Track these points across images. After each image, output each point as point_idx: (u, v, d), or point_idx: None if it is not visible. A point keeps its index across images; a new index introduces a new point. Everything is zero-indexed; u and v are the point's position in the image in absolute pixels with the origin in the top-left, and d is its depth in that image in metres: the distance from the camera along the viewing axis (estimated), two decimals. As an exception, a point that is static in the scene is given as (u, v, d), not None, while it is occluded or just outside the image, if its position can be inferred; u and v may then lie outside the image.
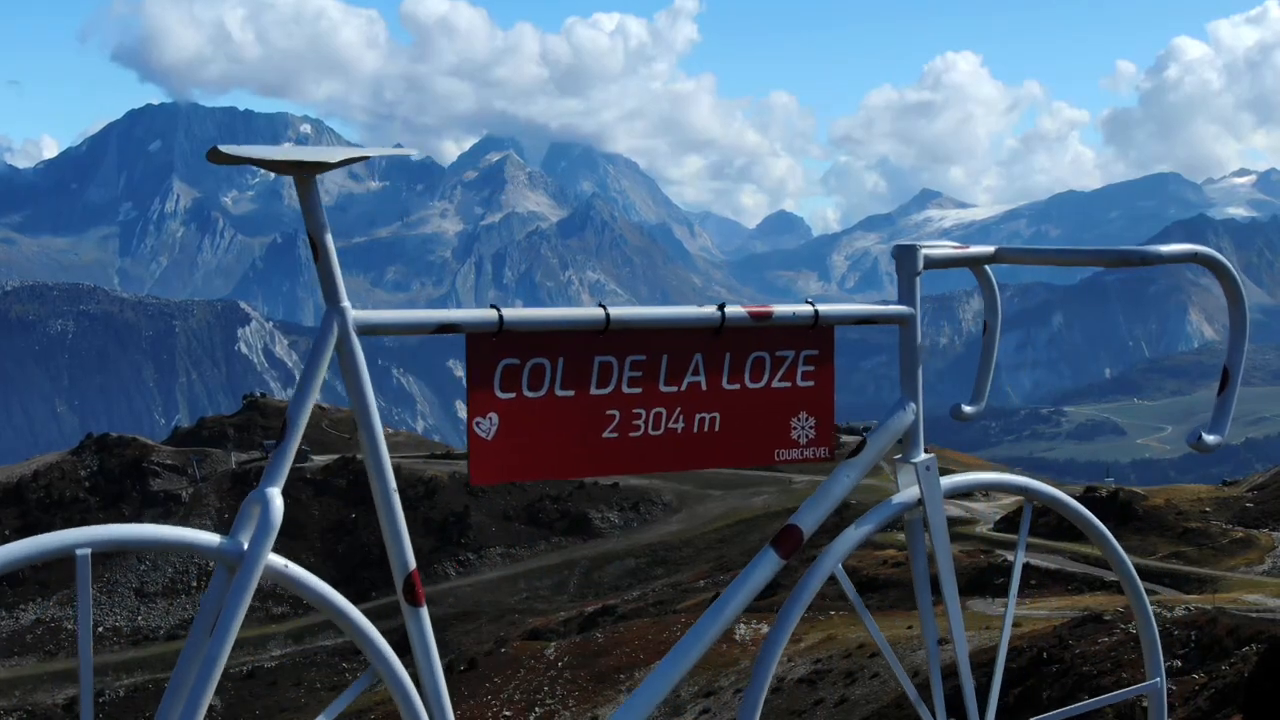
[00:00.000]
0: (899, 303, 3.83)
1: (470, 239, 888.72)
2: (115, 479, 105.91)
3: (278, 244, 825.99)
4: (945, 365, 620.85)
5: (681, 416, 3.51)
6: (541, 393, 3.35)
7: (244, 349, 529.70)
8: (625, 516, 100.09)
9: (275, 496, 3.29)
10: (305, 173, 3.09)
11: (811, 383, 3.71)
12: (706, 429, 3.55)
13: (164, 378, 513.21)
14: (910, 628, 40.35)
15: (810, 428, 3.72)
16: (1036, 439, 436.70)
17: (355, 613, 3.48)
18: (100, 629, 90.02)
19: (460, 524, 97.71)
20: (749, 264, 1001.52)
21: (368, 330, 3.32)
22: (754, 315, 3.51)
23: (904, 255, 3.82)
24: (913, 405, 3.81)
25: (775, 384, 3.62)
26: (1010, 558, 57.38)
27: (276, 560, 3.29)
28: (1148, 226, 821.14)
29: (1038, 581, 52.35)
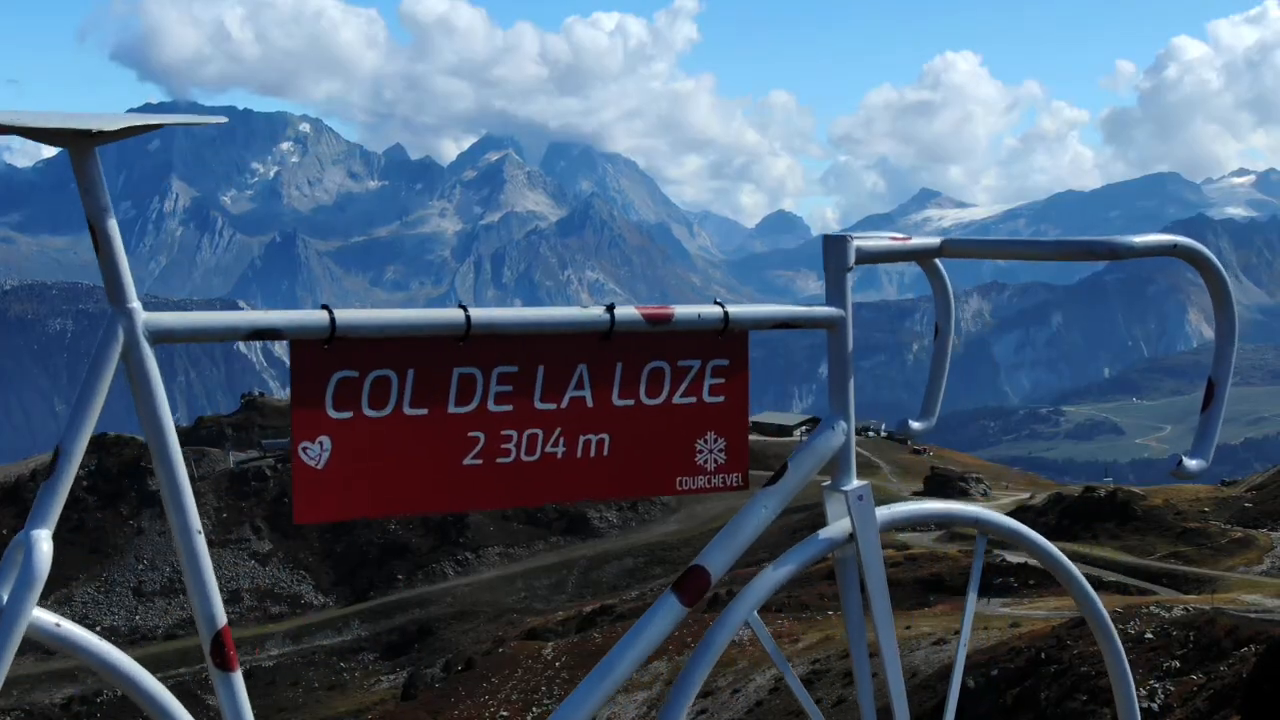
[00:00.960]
0: (827, 303, 3.32)
1: (469, 238, 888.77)
2: (113, 478, 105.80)
3: (276, 243, 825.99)
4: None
5: (562, 439, 3.01)
6: (386, 411, 2.82)
7: (242, 348, 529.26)
8: (624, 516, 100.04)
9: (42, 540, 2.59)
10: (82, 144, 2.68)
11: (721, 398, 3.21)
12: (593, 453, 3.04)
13: (163, 377, 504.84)
14: (908, 628, 40.28)
15: (720, 451, 3.23)
16: (1035, 439, 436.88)
17: (143, 675, 2.87)
18: (97, 629, 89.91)
19: (458, 523, 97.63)
20: (748, 264, 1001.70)
21: (162, 337, 2.86)
22: (650, 318, 3.03)
23: (832, 248, 3.27)
24: (843, 424, 3.34)
25: (677, 399, 3.14)
26: (1009, 558, 57.36)
27: (45, 618, 2.68)
28: (1147, 226, 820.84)
29: (1036, 581, 52.30)
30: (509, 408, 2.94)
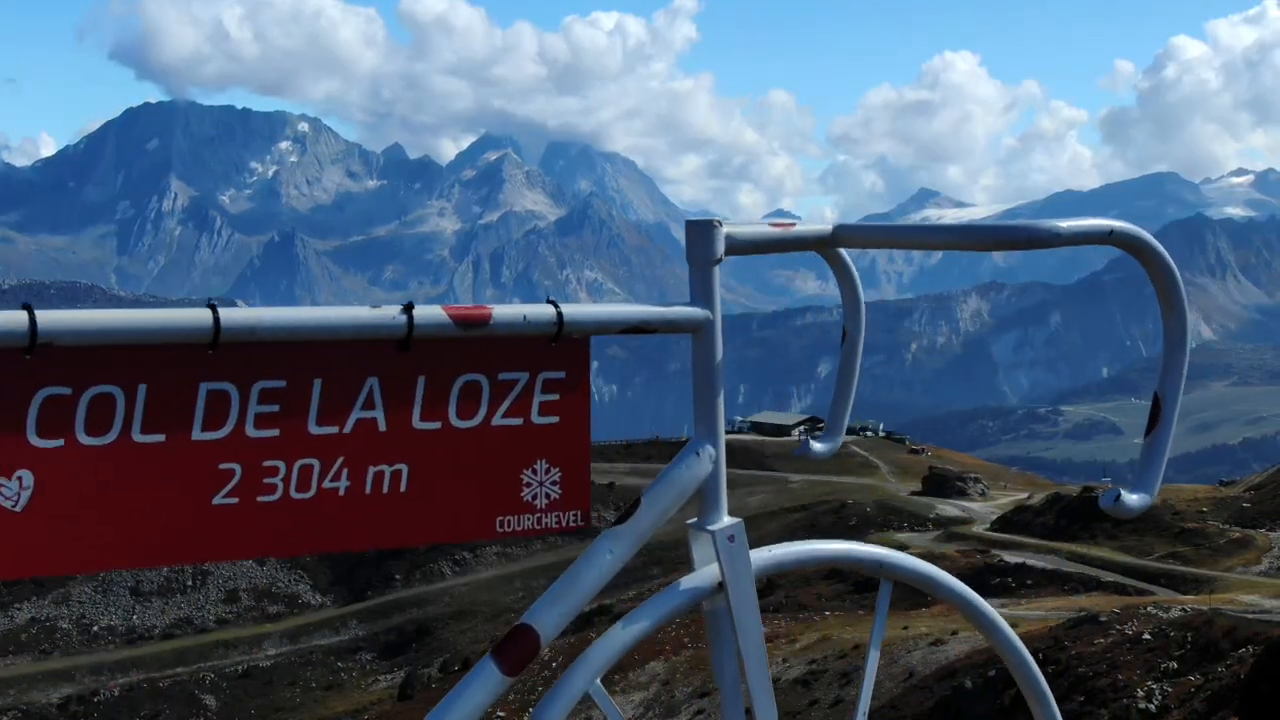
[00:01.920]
0: (690, 301, 2.76)
1: (468, 238, 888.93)
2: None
3: (275, 243, 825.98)
4: (943, 364, 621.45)
5: (345, 472, 2.43)
6: (109, 438, 2.24)
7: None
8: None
9: None
10: None
11: (555, 418, 2.64)
12: (386, 489, 2.46)
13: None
14: (906, 628, 40.23)
15: (553, 484, 2.68)
16: (1034, 438, 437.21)
17: None
18: (95, 628, 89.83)
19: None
20: (747, 263, 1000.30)
21: None
22: (462, 319, 2.46)
23: (695, 236, 2.75)
24: (710, 449, 2.85)
25: (498, 421, 2.58)
26: (1008, 558, 57.33)
27: None
28: (1145, 226, 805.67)
29: (1034, 582, 52.28)
30: (274, 433, 2.36)
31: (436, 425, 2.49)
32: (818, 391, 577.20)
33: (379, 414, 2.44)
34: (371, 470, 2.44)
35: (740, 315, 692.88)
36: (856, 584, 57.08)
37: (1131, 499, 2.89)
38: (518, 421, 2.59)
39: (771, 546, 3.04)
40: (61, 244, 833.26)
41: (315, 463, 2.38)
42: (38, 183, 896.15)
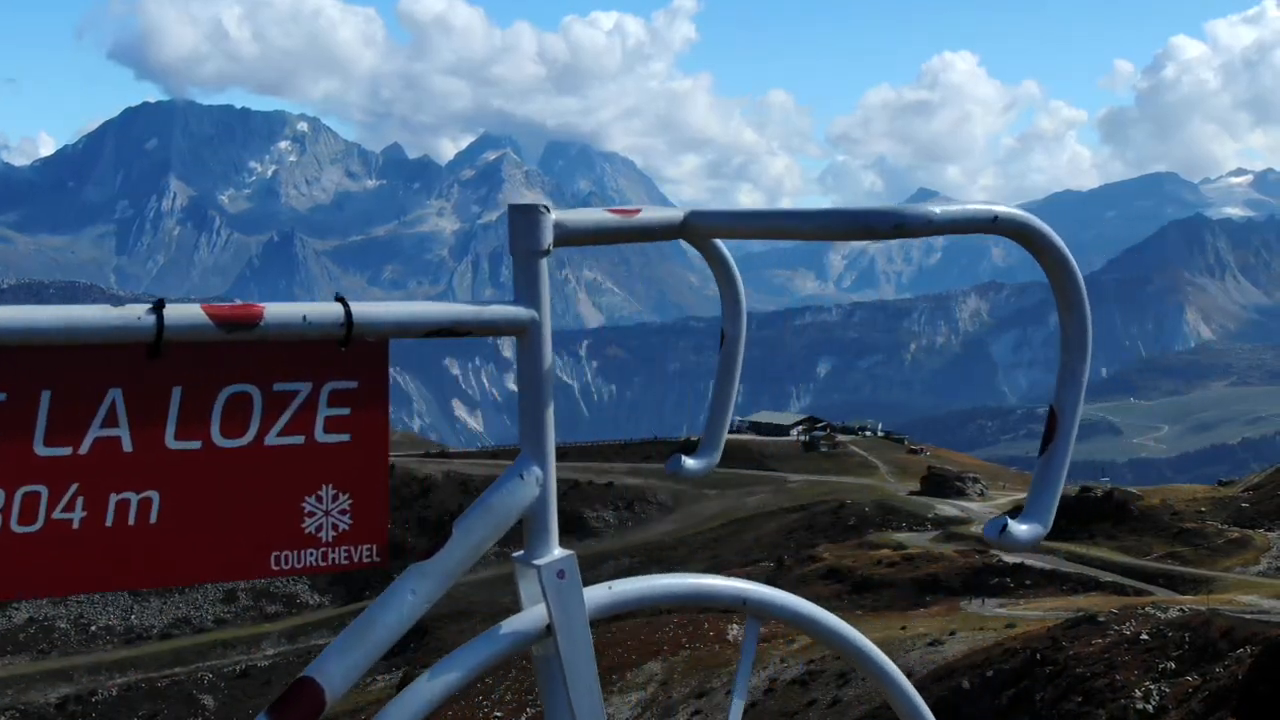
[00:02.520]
0: (515, 301, 2.38)
1: (467, 237, 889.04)
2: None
3: (274, 242, 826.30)
4: (942, 364, 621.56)
5: (80, 500, 2.04)
6: None
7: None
8: (620, 516, 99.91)
9: None
10: None
11: (345, 435, 2.24)
12: (133, 521, 2.07)
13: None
14: (903, 628, 40.18)
15: (342, 512, 2.29)
16: (1033, 438, 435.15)
17: None
18: (93, 628, 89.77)
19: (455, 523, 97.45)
20: (746, 263, 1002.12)
21: None
22: (226, 320, 2.07)
23: (519, 224, 2.36)
24: (537, 470, 2.42)
25: (273, 440, 2.17)
26: (1006, 558, 57.32)
27: None
28: (1145, 226, 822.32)
29: (1032, 582, 52.26)
30: None
31: (195, 445, 2.11)
32: (816, 391, 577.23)
33: (123, 432, 2.05)
34: (114, 498, 2.05)
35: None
36: (855, 584, 57.08)
37: (1020, 530, 2.51)
38: (297, 440, 2.19)
39: (614, 582, 2.58)
40: (60, 244, 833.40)
41: (42, 489, 2.00)
42: (37, 182, 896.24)
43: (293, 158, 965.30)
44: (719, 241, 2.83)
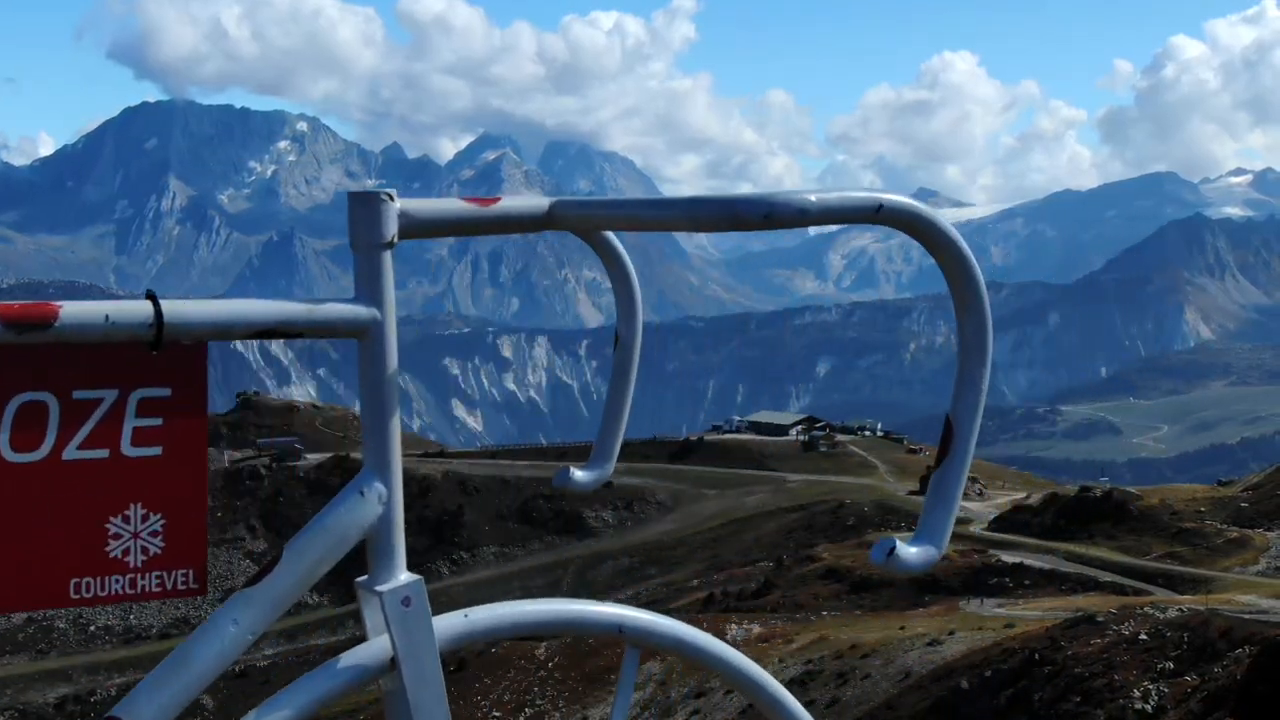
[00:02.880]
0: (353, 298, 2.19)
1: (467, 237, 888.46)
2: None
3: (274, 242, 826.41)
4: (942, 364, 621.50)
5: None
6: None
7: (240, 346, 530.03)
8: (619, 515, 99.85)
9: None
10: None
11: (156, 449, 2.02)
12: None
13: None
14: (902, 628, 40.15)
15: (153, 534, 2.04)
16: (1032, 438, 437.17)
17: None
18: (92, 628, 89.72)
19: (454, 523, 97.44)
20: (745, 262, 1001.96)
21: None
22: (14, 320, 1.83)
23: (359, 213, 2.16)
24: (380, 487, 2.18)
25: (71, 454, 1.95)
26: (1005, 558, 57.23)
27: None
28: (1144, 226, 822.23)
29: (1032, 582, 52.22)
30: None
31: None
32: (816, 391, 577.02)
33: None
34: None
35: (738, 315, 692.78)
36: (854, 584, 57.04)
37: (909, 553, 2.24)
38: (101, 454, 1.96)
39: (471, 610, 2.32)
40: (60, 243, 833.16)
41: None
42: (36, 182, 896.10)
43: (292, 157, 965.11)
44: (610, 235, 2.62)
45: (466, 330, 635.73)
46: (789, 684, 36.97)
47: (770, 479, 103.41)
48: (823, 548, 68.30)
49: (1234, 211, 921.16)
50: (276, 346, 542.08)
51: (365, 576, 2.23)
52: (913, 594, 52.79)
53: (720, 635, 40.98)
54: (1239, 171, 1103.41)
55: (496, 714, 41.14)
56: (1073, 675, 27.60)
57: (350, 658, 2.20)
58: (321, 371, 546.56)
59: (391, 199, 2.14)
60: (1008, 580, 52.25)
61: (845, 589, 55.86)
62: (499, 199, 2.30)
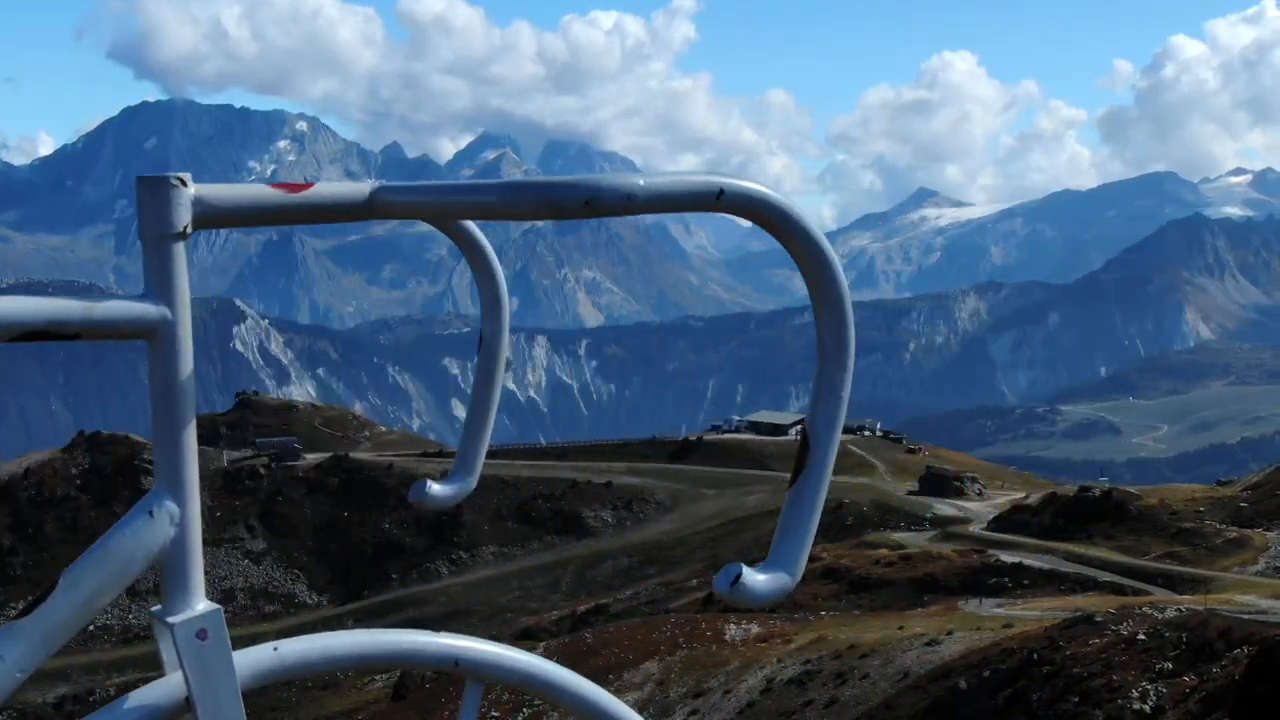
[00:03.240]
0: (143, 296, 1.94)
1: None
2: (106, 477, 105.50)
3: (273, 241, 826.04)
4: (941, 364, 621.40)
5: None
6: None
7: (239, 346, 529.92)
8: (618, 515, 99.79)
9: None
10: None
11: None
12: None
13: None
14: (901, 628, 40.11)
15: None
16: (1032, 438, 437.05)
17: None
18: (91, 628, 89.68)
19: (453, 523, 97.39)
20: (745, 262, 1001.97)
21: None
22: None
23: (149, 202, 1.92)
24: (172, 506, 1.96)
25: None
26: (1004, 557, 57.21)
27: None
28: (1144, 225, 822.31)
29: (1031, 581, 52.19)
30: None
31: None
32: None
33: None
34: None
35: (738, 314, 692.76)
36: (853, 583, 57.01)
37: (757, 581, 2.00)
38: None
39: (283, 643, 2.08)
40: (60, 243, 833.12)
41: None
42: (36, 182, 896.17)
43: (292, 157, 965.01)
44: (471, 225, 2.46)
45: (466, 330, 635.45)
46: (788, 684, 36.95)
47: (769, 479, 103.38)
48: (821, 547, 68.28)
49: (1234, 211, 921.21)
50: (276, 346, 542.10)
51: (158, 605, 1.98)
52: (911, 594, 52.77)
53: (719, 635, 40.78)
54: (1239, 171, 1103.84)
55: (495, 714, 41.05)
56: (1071, 675, 27.55)
57: (139, 697, 1.94)
58: (321, 371, 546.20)
59: (184, 184, 1.93)
60: (1007, 580, 52.23)
61: (844, 589, 55.84)
62: (313, 184, 2.08)
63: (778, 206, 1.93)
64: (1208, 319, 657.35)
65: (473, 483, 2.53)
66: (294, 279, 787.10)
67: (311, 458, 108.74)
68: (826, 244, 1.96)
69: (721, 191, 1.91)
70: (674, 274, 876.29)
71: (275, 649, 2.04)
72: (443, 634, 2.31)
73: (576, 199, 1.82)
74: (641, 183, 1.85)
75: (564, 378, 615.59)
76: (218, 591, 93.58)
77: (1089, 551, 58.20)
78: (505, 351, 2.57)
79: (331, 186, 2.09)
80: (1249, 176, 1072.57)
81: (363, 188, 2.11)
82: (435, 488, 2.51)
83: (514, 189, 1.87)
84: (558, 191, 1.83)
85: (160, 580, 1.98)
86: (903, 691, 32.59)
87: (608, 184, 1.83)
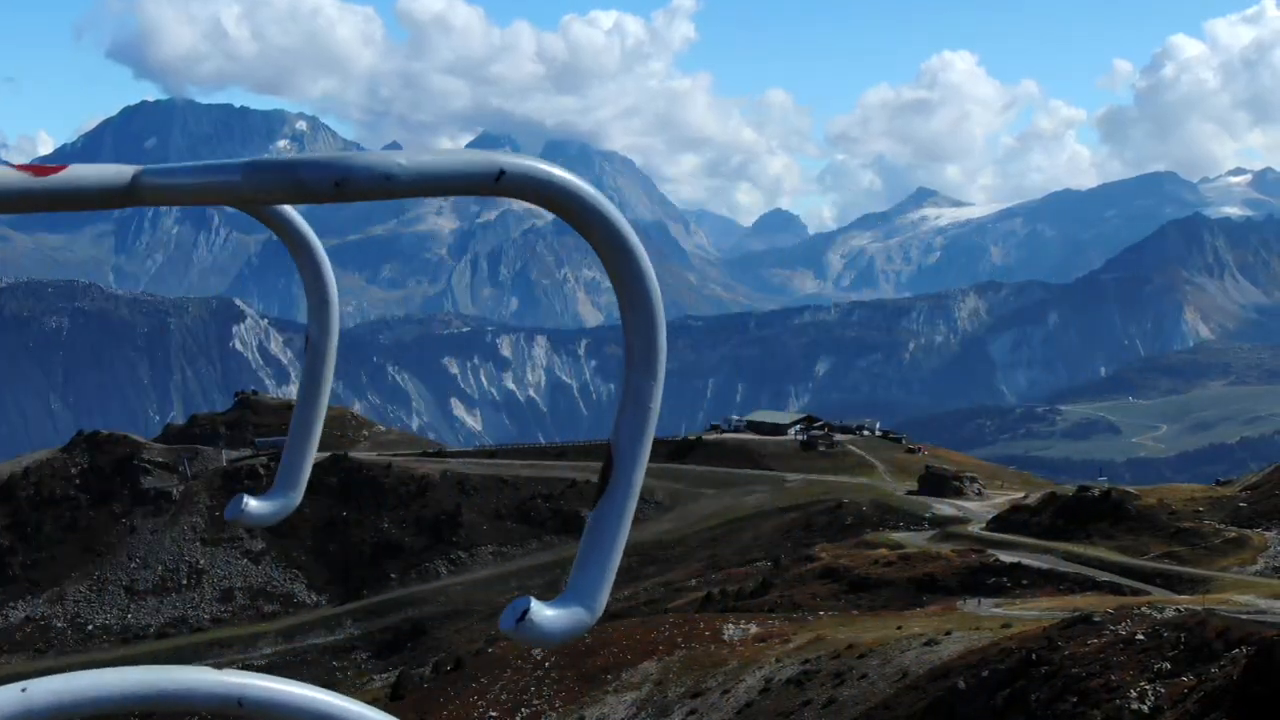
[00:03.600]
0: None
1: (466, 236, 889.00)
2: (105, 476, 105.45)
3: (273, 241, 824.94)
4: (941, 364, 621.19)
5: None
6: None
7: (239, 346, 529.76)
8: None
9: None
10: None
11: None
12: None
13: (159, 375, 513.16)
14: (900, 628, 40.09)
15: None
16: (1031, 437, 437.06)
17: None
18: (90, 627, 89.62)
19: (452, 522, 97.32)
20: (744, 262, 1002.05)
21: None
22: None
23: None
24: None
25: None
26: (1003, 557, 57.18)
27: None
28: (1143, 225, 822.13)
29: (1030, 581, 52.17)
30: None
31: None
32: (815, 391, 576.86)
33: None
34: None
35: (738, 314, 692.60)
36: (852, 583, 56.98)
37: (546, 616, 1.81)
38: None
39: (33, 683, 1.81)
40: (59, 242, 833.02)
41: None
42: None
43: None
44: (290, 210, 2.25)
45: (465, 330, 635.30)
46: (786, 684, 36.92)
47: (769, 478, 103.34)
48: (821, 547, 68.25)
49: (1233, 211, 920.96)
50: (275, 346, 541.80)
51: None
52: (910, 594, 52.76)
53: (717, 635, 40.73)
54: (1238, 171, 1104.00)
55: (493, 714, 41.06)
56: (1069, 675, 27.53)
57: None
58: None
59: None
60: (1006, 580, 52.22)
61: (843, 589, 55.83)
62: (64, 167, 1.85)
63: (571, 190, 1.69)
64: (1207, 319, 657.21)
65: (297, 498, 2.26)
66: (294, 278, 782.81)
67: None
68: (632, 235, 1.73)
69: (502, 172, 1.73)
70: (673, 273, 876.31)
71: (24, 690, 1.80)
72: (227, 672, 2.01)
73: (325, 180, 1.66)
74: (403, 161, 1.68)
75: (563, 377, 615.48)
76: (217, 591, 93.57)
77: (1088, 551, 58.19)
78: (334, 353, 2.30)
79: (89, 169, 1.86)
80: (1249, 176, 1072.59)
81: (125, 171, 1.89)
82: (253, 504, 2.28)
83: (258, 169, 1.70)
84: (304, 171, 1.66)
85: None
86: (901, 691, 32.58)
87: (362, 163, 1.66)
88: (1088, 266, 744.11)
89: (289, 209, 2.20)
